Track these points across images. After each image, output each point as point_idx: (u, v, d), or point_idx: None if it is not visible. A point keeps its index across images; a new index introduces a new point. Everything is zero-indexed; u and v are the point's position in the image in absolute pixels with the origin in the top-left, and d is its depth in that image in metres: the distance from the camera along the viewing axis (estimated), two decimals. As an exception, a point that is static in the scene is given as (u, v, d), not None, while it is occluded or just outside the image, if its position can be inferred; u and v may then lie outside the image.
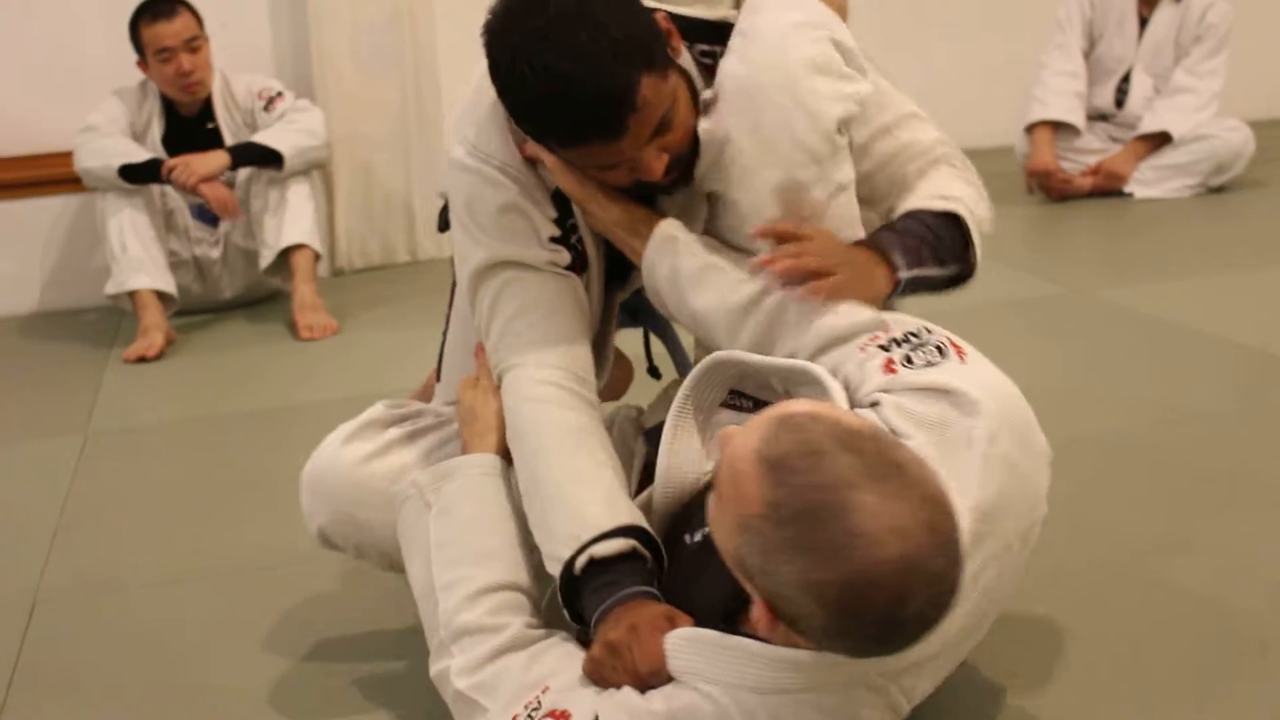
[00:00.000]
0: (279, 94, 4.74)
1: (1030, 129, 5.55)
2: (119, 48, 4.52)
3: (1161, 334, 3.66)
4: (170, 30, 4.44)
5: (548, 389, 1.97)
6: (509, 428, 2.00)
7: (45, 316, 5.03)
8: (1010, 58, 6.23)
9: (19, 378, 4.35)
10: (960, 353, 1.74)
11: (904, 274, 1.91)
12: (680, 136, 1.87)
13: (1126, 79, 5.56)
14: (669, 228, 1.96)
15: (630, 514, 1.86)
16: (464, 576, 1.90)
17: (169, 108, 4.65)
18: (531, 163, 1.99)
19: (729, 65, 1.91)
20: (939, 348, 1.75)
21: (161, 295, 4.50)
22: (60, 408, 3.93)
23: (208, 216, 4.69)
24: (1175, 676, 2.00)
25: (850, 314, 1.83)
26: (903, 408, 1.68)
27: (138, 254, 4.48)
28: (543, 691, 1.74)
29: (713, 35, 1.95)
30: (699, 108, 1.91)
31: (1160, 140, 5.42)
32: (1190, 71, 5.42)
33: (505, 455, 2.02)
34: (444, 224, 2.28)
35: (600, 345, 2.15)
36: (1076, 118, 5.52)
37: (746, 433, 1.49)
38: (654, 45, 1.80)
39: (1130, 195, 5.45)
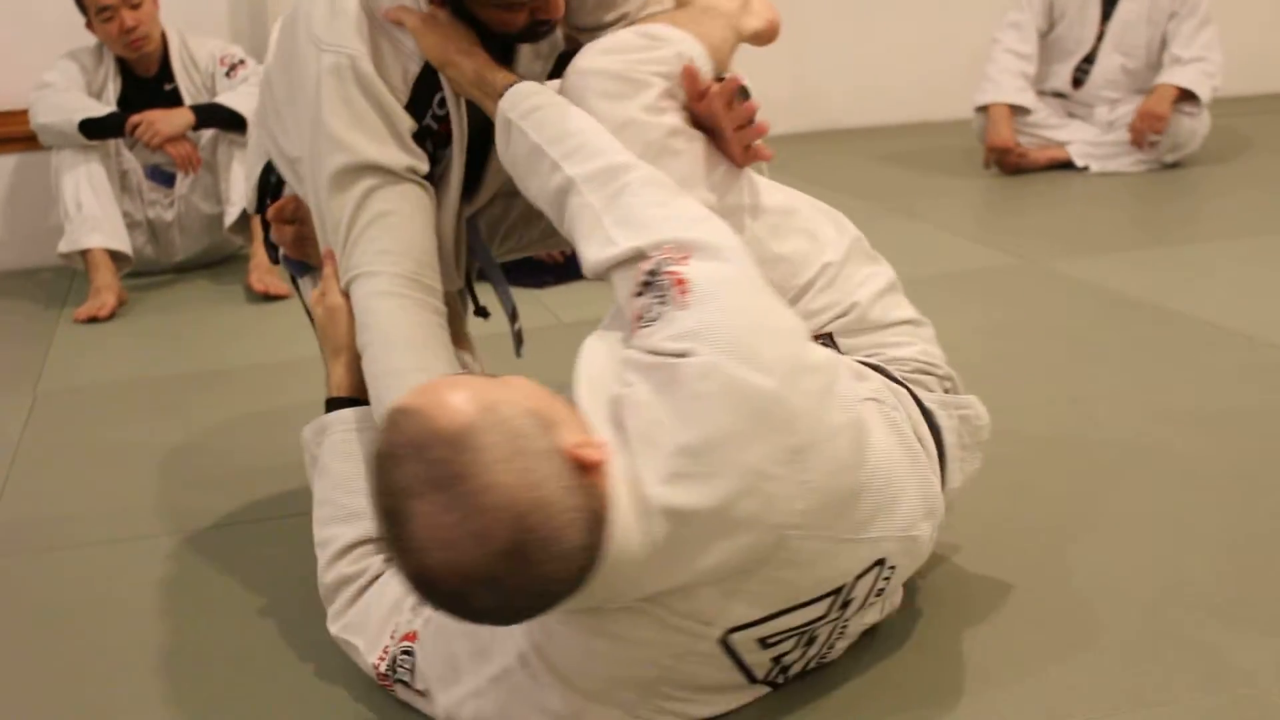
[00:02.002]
0: (241, 60, 4.72)
1: (986, 107, 5.55)
2: (73, 4, 4.47)
3: (1111, 304, 3.69)
4: None
5: (395, 292, 2.05)
6: (358, 325, 2.09)
7: (-3, 276, 4.99)
8: (963, 31, 6.26)
9: (-32, 337, 4.32)
10: (683, 289, 1.69)
11: None
12: None
13: (1088, 60, 5.56)
14: (512, 97, 2.02)
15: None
16: (334, 535, 2.03)
17: (125, 68, 4.61)
18: (379, 50, 2.07)
19: None
20: (662, 293, 1.71)
21: (115, 255, 4.48)
22: (9, 367, 3.90)
23: (162, 177, 4.66)
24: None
25: (608, 245, 1.82)
26: (629, 360, 1.69)
27: (93, 211, 4.45)
28: (409, 610, 1.88)
29: None
30: None
31: (1186, 96, 5.36)
32: (1188, 44, 5.39)
33: (358, 368, 2.10)
34: (260, 205, 2.40)
35: (455, 245, 2.25)
36: (1027, 99, 5.51)
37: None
38: None
39: (1086, 169, 5.47)
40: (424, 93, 2.11)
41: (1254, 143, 5.92)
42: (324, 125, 2.08)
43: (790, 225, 2.06)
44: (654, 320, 1.69)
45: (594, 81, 2.04)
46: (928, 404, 1.96)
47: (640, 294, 1.74)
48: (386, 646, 1.90)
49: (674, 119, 2.05)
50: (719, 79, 2.10)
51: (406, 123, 2.10)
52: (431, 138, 2.15)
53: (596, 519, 1.54)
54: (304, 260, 2.36)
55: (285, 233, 2.34)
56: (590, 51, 2.09)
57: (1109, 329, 3.47)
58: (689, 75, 2.05)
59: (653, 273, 1.74)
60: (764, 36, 2.35)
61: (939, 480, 1.91)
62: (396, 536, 1.49)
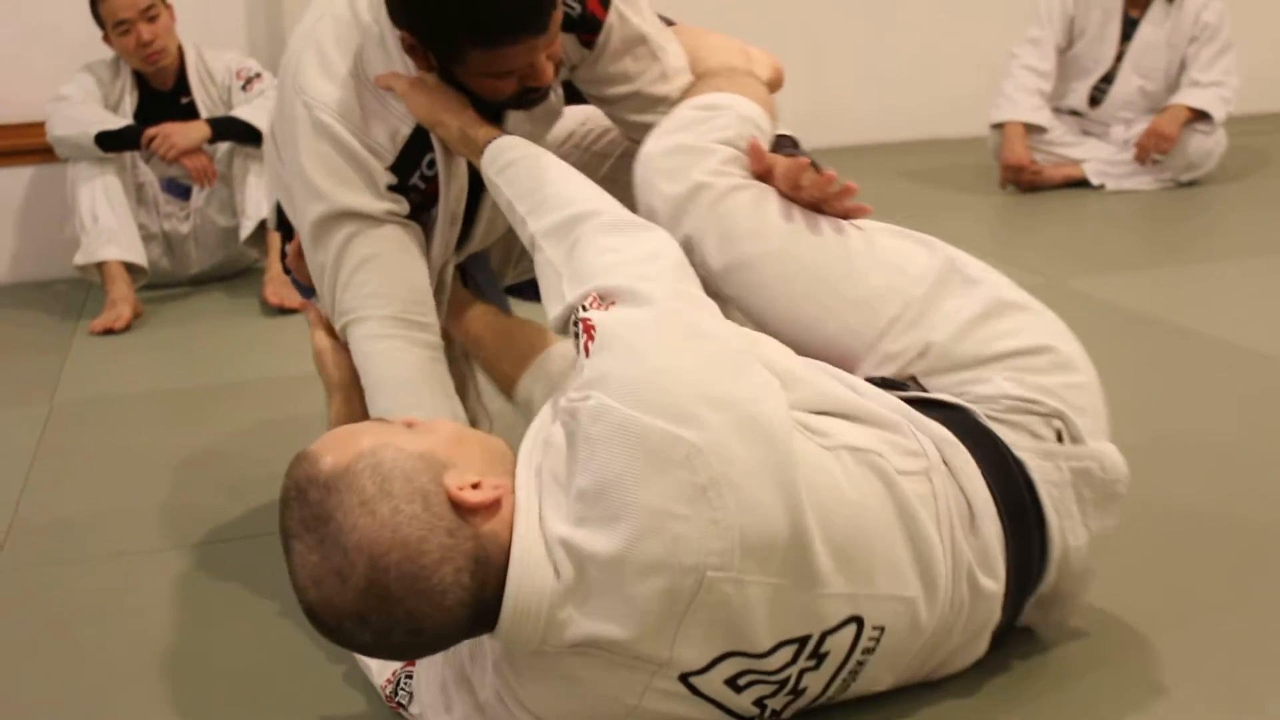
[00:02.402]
0: (258, 74, 4.72)
1: (1002, 124, 5.54)
2: (90, 17, 4.49)
3: (1126, 321, 3.68)
4: (126, 1, 4.41)
5: (385, 334, 2.11)
6: (359, 369, 2.15)
7: (13, 288, 5.00)
8: (979, 49, 6.25)
9: (-15, 349, 4.33)
10: (590, 337, 1.72)
11: None
12: (558, 47, 2.07)
13: (1106, 79, 5.55)
14: (491, 152, 2.05)
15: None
16: None
17: (141, 82, 4.63)
18: (367, 110, 2.10)
19: None
20: (578, 342, 1.76)
21: (130, 267, 4.48)
22: (26, 378, 3.91)
23: (178, 190, 4.67)
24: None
25: (559, 302, 1.85)
26: (556, 408, 1.74)
27: (109, 223, 4.46)
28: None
29: None
30: None
31: (1199, 116, 5.37)
32: (1207, 69, 5.38)
33: (356, 403, 2.18)
34: (280, 223, 2.44)
35: (439, 289, 2.27)
36: (1042, 117, 5.50)
37: None
38: None
39: (1102, 187, 5.46)
40: (413, 153, 2.14)
41: (1271, 161, 5.91)
42: (304, 173, 2.12)
43: (870, 263, 2.01)
44: (580, 370, 1.72)
45: (657, 162, 2.08)
46: (1018, 453, 1.87)
47: (574, 344, 1.79)
48: (395, 669, 1.91)
49: (735, 179, 2.06)
50: (781, 141, 2.16)
51: (383, 176, 2.13)
52: (418, 194, 2.17)
53: (478, 559, 1.58)
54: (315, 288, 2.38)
55: (301, 265, 2.37)
56: (652, 136, 2.13)
57: (1123, 346, 3.46)
58: (753, 152, 2.08)
59: (574, 323, 1.78)
60: (773, 87, 2.39)
61: (982, 543, 1.81)
62: (289, 573, 1.58)
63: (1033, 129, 5.51)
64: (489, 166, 2.05)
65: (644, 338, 1.69)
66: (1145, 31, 5.48)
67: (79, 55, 4.65)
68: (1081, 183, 5.52)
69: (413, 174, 2.15)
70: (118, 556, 2.63)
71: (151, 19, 4.45)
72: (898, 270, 2.00)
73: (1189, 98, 5.38)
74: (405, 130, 2.13)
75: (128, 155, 4.56)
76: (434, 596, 1.55)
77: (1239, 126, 5.73)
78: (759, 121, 2.15)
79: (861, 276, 2.00)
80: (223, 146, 4.63)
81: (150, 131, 4.45)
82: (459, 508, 1.58)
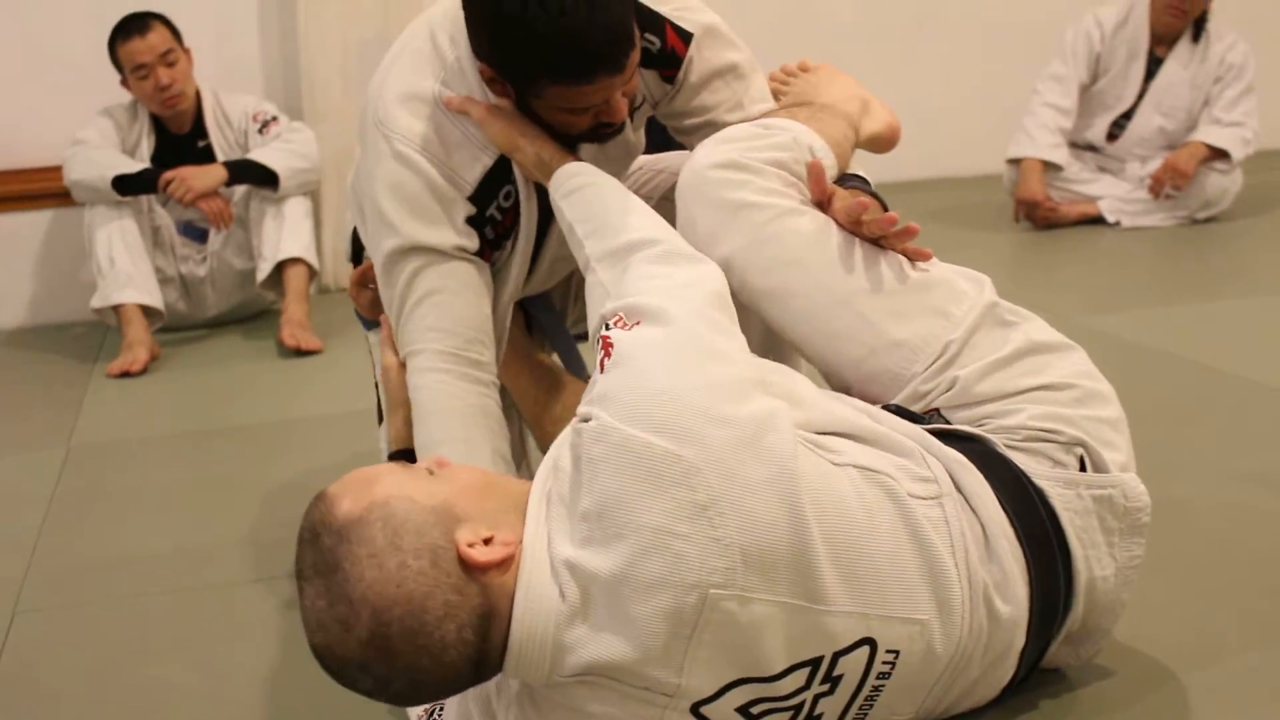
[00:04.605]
0: (274, 118, 4.75)
1: (1018, 160, 5.54)
2: (108, 62, 4.52)
3: (1142, 359, 3.67)
4: (144, 46, 4.44)
5: (438, 368, 2.13)
6: (412, 403, 2.16)
7: (31, 331, 5.02)
8: (997, 90, 6.25)
9: (2, 392, 4.34)
10: (608, 354, 1.75)
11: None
12: (634, 84, 2.08)
13: (1126, 115, 5.55)
14: (560, 176, 2.08)
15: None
16: None
17: (159, 125, 4.65)
18: (449, 141, 2.13)
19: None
20: (598, 358, 1.78)
21: (147, 310, 4.50)
22: (43, 422, 3.92)
23: (194, 233, 4.69)
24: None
25: (598, 308, 1.89)
26: (571, 428, 1.74)
27: (125, 267, 4.47)
28: None
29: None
30: None
31: (1217, 155, 5.38)
32: (1230, 109, 5.39)
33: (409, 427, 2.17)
34: (356, 259, 2.46)
35: (500, 325, 2.30)
36: (1060, 155, 5.51)
37: None
38: None
39: (1117, 224, 5.46)
40: (493, 184, 2.16)
41: (1286, 198, 5.89)
42: (378, 206, 2.15)
43: (919, 305, 2.02)
44: (593, 384, 1.75)
45: (708, 174, 2.08)
46: (1038, 481, 1.87)
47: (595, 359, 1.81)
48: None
49: (790, 203, 2.06)
50: (849, 178, 2.18)
51: (462, 207, 2.15)
52: (493, 226, 2.19)
53: (484, 615, 1.60)
54: (377, 321, 2.40)
55: (363, 296, 2.43)
56: (703, 146, 2.14)
57: (1138, 383, 3.44)
58: (814, 173, 2.09)
59: (598, 340, 1.80)
60: (883, 142, 2.43)
61: (1000, 567, 1.81)
62: (300, 612, 1.60)
63: (1049, 166, 5.51)
64: (558, 188, 2.07)
65: (655, 357, 1.71)
66: (1170, 70, 5.48)
67: (97, 99, 4.67)
68: (1097, 220, 5.52)
69: (490, 205, 2.17)
70: (136, 598, 2.63)
71: (170, 63, 4.48)
72: (943, 315, 2.01)
73: (1209, 135, 5.38)
74: (487, 160, 2.15)
75: (144, 199, 4.58)
76: (435, 652, 1.56)
77: (1257, 164, 5.72)
78: (815, 148, 2.14)
79: (908, 319, 2.01)
80: (239, 189, 4.65)
81: (167, 175, 4.46)
82: (468, 566, 1.59)
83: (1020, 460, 1.89)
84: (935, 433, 1.90)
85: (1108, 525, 1.90)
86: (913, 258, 2.08)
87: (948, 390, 1.96)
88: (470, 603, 1.58)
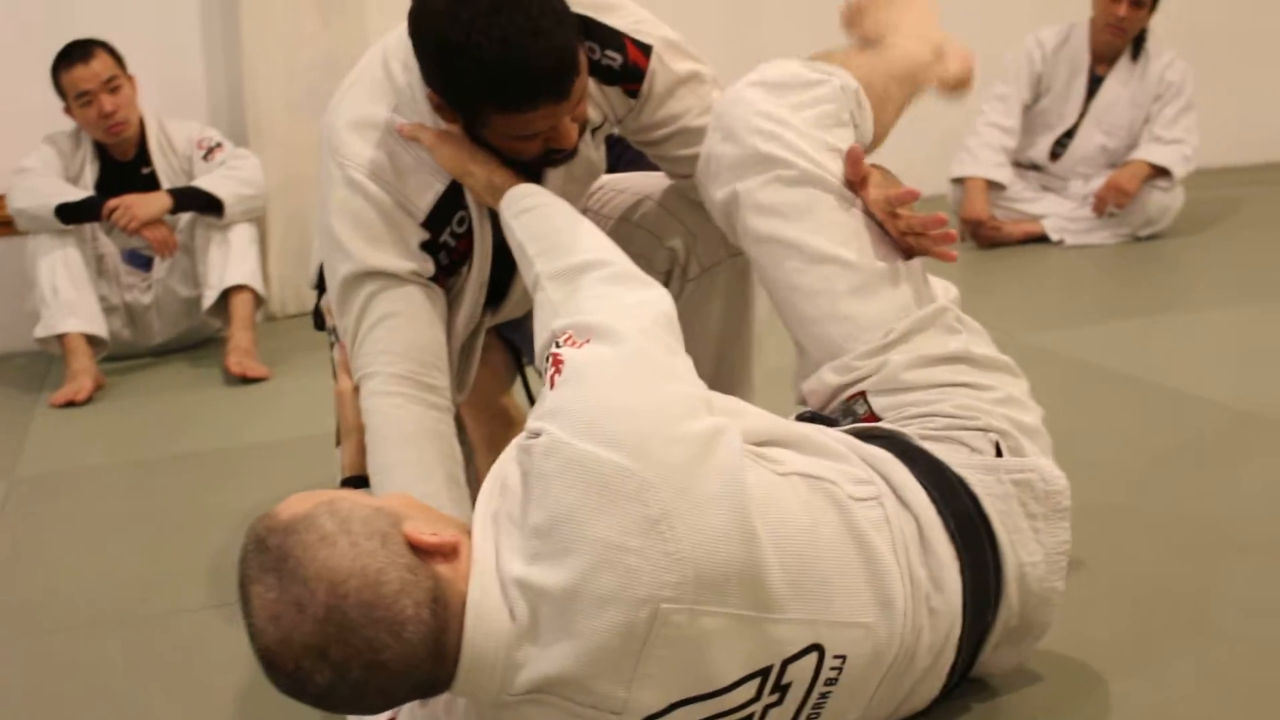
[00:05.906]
0: (218, 144, 4.74)
1: (962, 179, 5.59)
2: (51, 89, 4.50)
3: (1086, 375, 3.70)
4: (88, 73, 4.42)
5: (391, 391, 2.14)
6: (365, 426, 2.16)
7: (-27, 362, 4.98)
8: (937, 111, 6.27)
9: (-56, 423, 4.30)
10: (557, 370, 1.76)
11: None
12: (583, 109, 2.08)
13: (1069, 134, 5.61)
14: (510, 197, 2.09)
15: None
16: None
17: (102, 152, 4.63)
18: (401, 167, 2.13)
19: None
20: (546, 375, 1.80)
21: (91, 339, 4.47)
22: (-14, 452, 3.88)
23: (139, 261, 4.67)
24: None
25: (547, 325, 1.89)
26: (517, 444, 1.74)
27: (69, 296, 4.45)
28: None
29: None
30: None
31: (1159, 173, 5.44)
32: (1170, 126, 5.46)
33: (363, 453, 2.17)
34: (321, 285, 2.45)
35: (467, 353, 2.32)
36: (1004, 175, 5.57)
37: None
38: (574, 20, 2.01)
39: (1061, 243, 5.51)
40: (446, 209, 2.17)
41: (1228, 215, 5.94)
42: (332, 232, 2.16)
43: (886, 293, 2.07)
44: (542, 399, 1.75)
45: (752, 120, 2.10)
46: (958, 470, 1.91)
47: (542, 377, 1.82)
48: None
49: (816, 170, 2.09)
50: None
51: (416, 233, 2.16)
52: (448, 252, 2.20)
53: (438, 599, 1.58)
54: None
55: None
56: (750, 81, 2.16)
57: (1081, 400, 3.48)
58: (852, 157, 2.12)
59: (547, 358, 1.81)
60: (960, 83, 2.50)
61: (936, 561, 1.83)
62: (246, 625, 1.56)
63: (993, 185, 5.56)
64: (508, 209, 2.08)
65: (605, 374, 1.72)
66: (1111, 88, 5.55)
67: (40, 127, 4.64)
68: (1041, 238, 5.57)
69: (444, 231, 2.18)
70: (84, 628, 2.61)
71: (114, 90, 4.46)
72: (902, 309, 2.06)
73: (1150, 154, 5.45)
74: (440, 186, 2.15)
75: (88, 227, 4.56)
76: (393, 626, 1.54)
77: (1198, 181, 5.79)
78: (861, 100, 2.19)
79: (869, 300, 2.05)
80: (184, 217, 4.64)
81: (111, 203, 4.44)
82: (417, 549, 1.58)
83: (937, 450, 1.93)
84: (854, 434, 1.95)
85: (1030, 510, 1.93)
86: (940, 258, 2.14)
87: (876, 373, 2.02)
88: (424, 584, 1.57)
